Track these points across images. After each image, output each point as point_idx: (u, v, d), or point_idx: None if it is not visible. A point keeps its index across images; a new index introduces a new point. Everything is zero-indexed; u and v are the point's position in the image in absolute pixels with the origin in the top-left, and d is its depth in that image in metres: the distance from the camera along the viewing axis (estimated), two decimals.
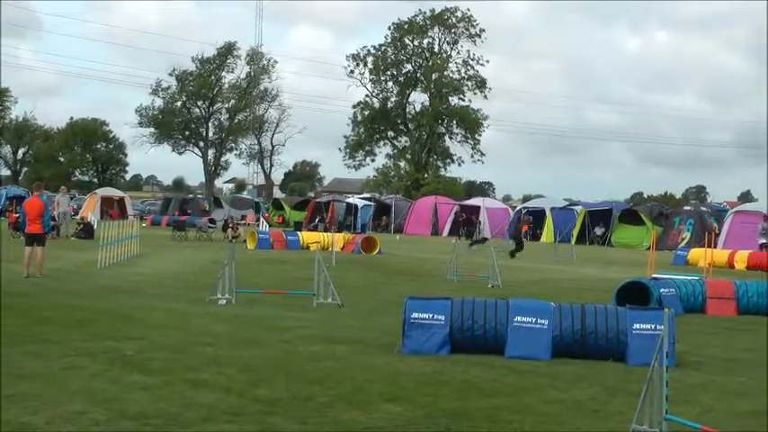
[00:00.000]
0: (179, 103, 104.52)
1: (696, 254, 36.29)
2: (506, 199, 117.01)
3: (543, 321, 12.25)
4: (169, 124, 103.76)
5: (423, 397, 9.53)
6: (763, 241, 44.73)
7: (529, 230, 37.67)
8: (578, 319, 12.29)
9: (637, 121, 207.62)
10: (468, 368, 11.31)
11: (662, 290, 18.01)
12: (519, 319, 12.28)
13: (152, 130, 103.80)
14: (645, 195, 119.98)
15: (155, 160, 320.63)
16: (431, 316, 12.37)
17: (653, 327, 11.69)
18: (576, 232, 56.05)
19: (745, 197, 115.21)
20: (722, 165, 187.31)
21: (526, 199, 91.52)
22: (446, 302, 12.62)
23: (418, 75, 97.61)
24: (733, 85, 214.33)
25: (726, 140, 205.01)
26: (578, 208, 59.84)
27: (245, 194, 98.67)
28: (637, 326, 12.03)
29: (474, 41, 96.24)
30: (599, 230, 56.74)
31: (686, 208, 58.65)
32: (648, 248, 31.37)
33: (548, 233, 57.85)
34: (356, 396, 9.48)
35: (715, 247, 39.45)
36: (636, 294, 17.70)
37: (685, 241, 50.04)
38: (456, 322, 12.36)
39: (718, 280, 21.27)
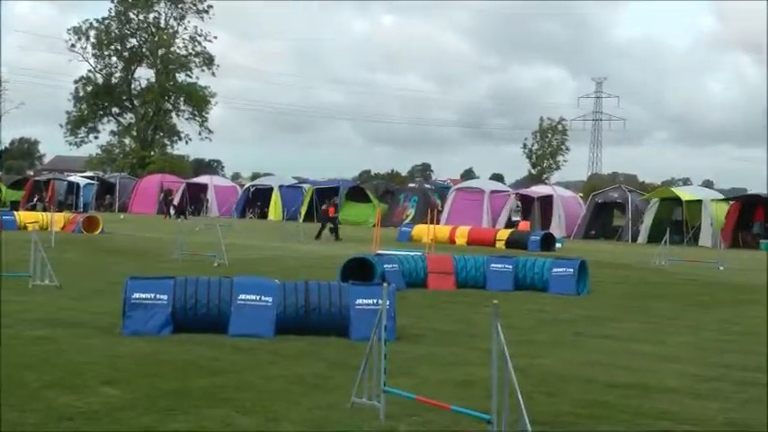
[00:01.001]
0: None
1: (420, 230, 37.40)
2: (235, 177, 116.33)
3: (267, 299, 12.20)
4: None
5: (142, 378, 9.25)
6: (516, 219, 47.06)
7: (336, 213, 37.88)
8: (302, 296, 12.32)
9: (364, 100, 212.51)
10: (191, 348, 11.10)
11: (385, 265, 18.43)
12: (243, 296, 12.17)
13: None
14: (372, 173, 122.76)
15: None
16: (152, 296, 12.03)
17: (374, 302, 11.86)
18: (303, 210, 56.53)
19: (468, 174, 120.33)
20: (446, 143, 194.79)
21: (255, 177, 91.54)
22: (168, 282, 12.32)
23: (144, 50, 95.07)
24: (455, 66, 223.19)
25: (449, 119, 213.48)
26: (306, 186, 60.38)
27: None
28: (359, 301, 12.20)
29: (202, 17, 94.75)
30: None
31: (411, 185, 60.58)
32: (374, 225, 32.03)
33: (275, 211, 58.08)
34: (72, 380, 9.07)
35: (438, 223, 40.92)
36: (362, 270, 18.03)
37: (410, 218, 51.57)
38: (179, 302, 12.10)
39: (439, 255, 22.00)
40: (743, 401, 9.34)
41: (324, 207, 37.83)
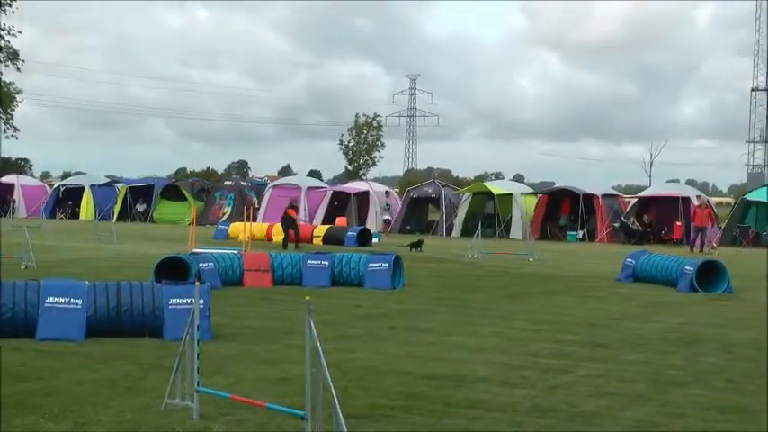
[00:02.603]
0: None
1: (236, 228, 37.08)
2: (45, 176, 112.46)
3: (77, 301, 11.85)
4: None
5: None
6: (386, 217, 47.10)
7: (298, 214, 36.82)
8: (114, 297, 12.04)
9: (180, 97, 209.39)
10: None
11: (200, 264, 18.23)
12: (51, 299, 11.78)
13: None
14: (188, 171, 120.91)
15: None
16: None
17: (188, 301, 11.70)
18: (117, 209, 55.16)
19: (286, 171, 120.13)
20: (263, 140, 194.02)
21: (66, 176, 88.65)
22: None
23: None
24: (272, 63, 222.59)
25: (266, 116, 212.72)
26: (120, 185, 59.00)
27: None
28: (173, 301, 12.03)
29: (5, 11, 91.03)
30: (141, 207, 56.31)
31: (227, 183, 59.86)
32: (190, 224, 31.57)
33: (87, 211, 56.48)
34: None
35: (255, 220, 40.70)
36: (176, 270, 17.75)
37: (226, 215, 51.12)
38: None
39: (254, 253, 21.91)
40: (549, 387, 9.68)
41: (286, 209, 34.21)
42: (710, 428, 8.16)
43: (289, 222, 33.48)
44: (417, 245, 32.70)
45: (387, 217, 47.84)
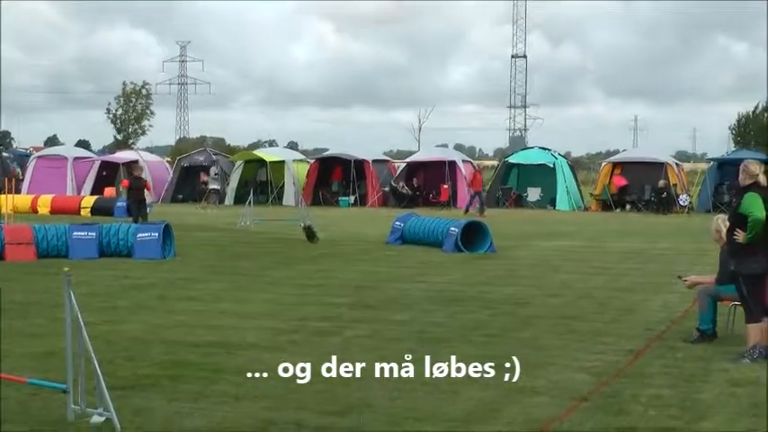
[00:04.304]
0: None
1: None
2: None
3: None
4: None
5: None
6: (214, 186, 45.25)
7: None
8: None
9: None
10: None
11: None
12: None
13: None
14: None
15: None
16: None
17: None
18: None
19: (53, 141, 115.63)
20: (29, 110, 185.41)
21: None
22: None
23: None
24: (39, 31, 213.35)
25: (31, 85, 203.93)
26: None
27: None
28: None
29: None
30: None
31: None
32: None
33: None
34: None
35: (19, 192, 39.11)
36: None
37: None
38: None
39: (16, 225, 21.10)
40: (318, 351, 9.86)
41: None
42: (470, 380, 8.52)
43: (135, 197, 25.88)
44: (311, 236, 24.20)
45: (215, 186, 46.31)
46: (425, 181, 45.57)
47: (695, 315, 10.99)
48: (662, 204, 39.51)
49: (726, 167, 39.54)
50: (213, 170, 46.37)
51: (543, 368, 9.14)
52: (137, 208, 25.03)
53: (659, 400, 8.01)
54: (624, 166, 43.21)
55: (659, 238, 25.82)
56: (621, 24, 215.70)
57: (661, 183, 39.94)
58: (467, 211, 37.25)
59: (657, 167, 41.41)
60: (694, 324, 10.86)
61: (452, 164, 44.68)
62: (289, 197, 44.89)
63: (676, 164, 44.60)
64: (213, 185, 46.10)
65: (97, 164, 48.92)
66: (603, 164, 45.92)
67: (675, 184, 41.02)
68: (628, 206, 41.29)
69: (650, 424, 7.31)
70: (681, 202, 40.00)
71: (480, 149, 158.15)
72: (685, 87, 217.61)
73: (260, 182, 46.73)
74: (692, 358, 9.70)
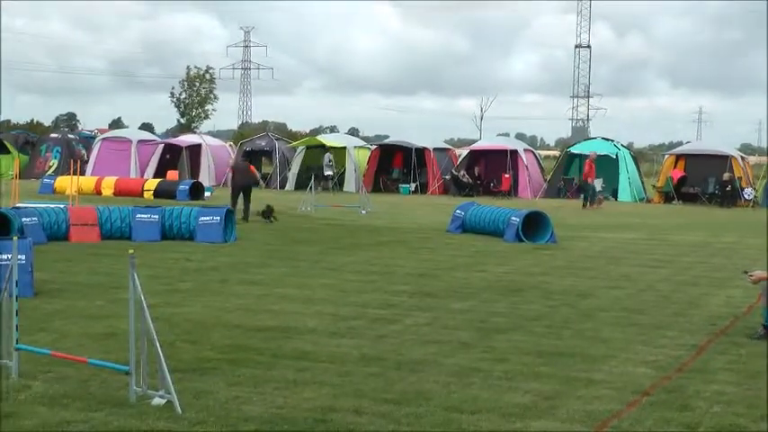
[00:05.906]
0: None
1: (63, 181, 36.03)
2: None
3: None
4: None
5: None
6: (329, 173, 45.66)
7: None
8: None
9: (3, 47, 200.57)
10: None
11: (24, 219, 17.67)
12: None
13: None
14: (12, 123, 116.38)
15: None
16: None
17: (8, 257, 11.36)
18: None
19: (117, 124, 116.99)
20: (94, 92, 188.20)
21: None
22: None
23: None
24: (104, 13, 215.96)
25: (97, 68, 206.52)
26: None
27: None
28: None
29: None
30: None
31: (53, 135, 57.87)
32: (14, 177, 30.48)
33: None
34: None
35: (83, 174, 39.63)
36: None
37: (53, 169, 49.51)
38: None
39: (81, 207, 21.37)
40: (377, 337, 9.88)
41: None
42: (529, 372, 8.50)
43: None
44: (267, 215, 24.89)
45: (329, 173, 46.39)
46: (486, 170, 45.31)
47: (760, 311, 10.79)
48: (726, 198, 38.91)
49: None
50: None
51: (604, 361, 9.03)
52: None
53: (723, 396, 7.87)
54: (688, 159, 42.55)
55: (723, 231, 25.40)
56: (688, 15, 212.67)
57: (726, 176, 39.28)
58: (591, 204, 36.11)
59: (722, 160, 40.73)
60: (759, 320, 10.66)
61: (514, 153, 44.34)
62: (350, 183, 44.96)
63: (741, 157, 43.82)
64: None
65: (161, 147, 49.34)
66: (666, 156, 45.34)
67: (740, 178, 40.34)
68: (688, 198, 40.66)
69: (715, 421, 7.18)
70: (745, 196, 39.36)
71: (542, 139, 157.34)
72: (752, 79, 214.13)
73: (321, 167, 46.80)
74: (757, 355, 9.52)
